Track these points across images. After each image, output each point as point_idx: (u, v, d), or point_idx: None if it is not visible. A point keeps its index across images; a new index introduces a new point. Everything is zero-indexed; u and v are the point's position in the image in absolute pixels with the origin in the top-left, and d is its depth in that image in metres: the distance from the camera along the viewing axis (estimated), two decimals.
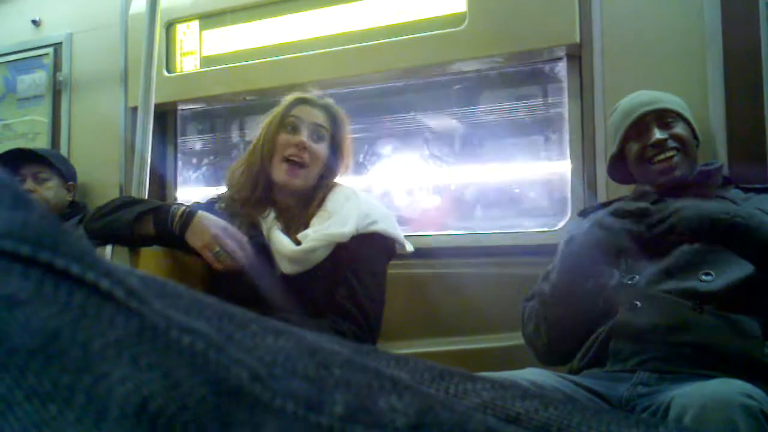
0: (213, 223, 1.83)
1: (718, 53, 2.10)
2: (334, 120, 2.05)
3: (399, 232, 2.06)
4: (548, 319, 1.71)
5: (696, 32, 2.14)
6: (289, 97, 2.05)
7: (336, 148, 2.06)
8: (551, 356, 1.76)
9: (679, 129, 1.86)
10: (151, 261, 1.94)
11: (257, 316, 0.42)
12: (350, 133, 2.11)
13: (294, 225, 1.98)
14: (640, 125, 1.88)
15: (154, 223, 1.85)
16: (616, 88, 2.21)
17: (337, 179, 2.10)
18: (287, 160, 1.96)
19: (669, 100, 1.91)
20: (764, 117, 2.03)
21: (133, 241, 1.91)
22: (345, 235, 1.91)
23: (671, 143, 1.83)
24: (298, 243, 1.91)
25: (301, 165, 1.97)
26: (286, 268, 1.90)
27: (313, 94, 2.10)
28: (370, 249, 1.97)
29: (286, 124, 2.00)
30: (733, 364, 1.46)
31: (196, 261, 1.92)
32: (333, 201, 2.00)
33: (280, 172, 1.98)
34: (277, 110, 2.04)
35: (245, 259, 1.83)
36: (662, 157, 1.83)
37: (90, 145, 3.25)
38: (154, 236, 1.87)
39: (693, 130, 1.90)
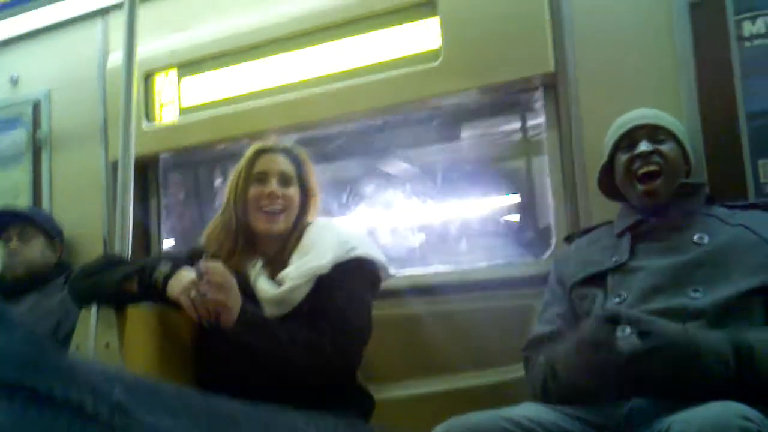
0: (184, 281, 1.78)
1: (690, 73, 2.13)
2: (298, 163, 2.09)
3: (380, 256, 2.05)
4: (558, 388, 1.66)
5: (668, 54, 2.17)
6: (250, 150, 2.09)
7: (305, 189, 2.09)
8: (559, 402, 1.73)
9: (668, 147, 1.88)
10: (138, 320, 1.92)
11: (248, 408, 0.41)
12: (313, 169, 2.14)
13: (279, 269, 1.97)
14: (630, 138, 1.91)
15: (138, 283, 1.83)
16: (593, 115, 2.24)
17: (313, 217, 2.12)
18: (263, 211, 1.99)
19: (665, 118, 1.94)
20: (740, 135, 2.05)
21: (118, 301, 1.89)
22: (324, 266, 1.91)
23: (656, 158, 1.85)
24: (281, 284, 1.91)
25: (276, 212, 1.99)
26: (271, 311, 1.88)
27: (273, 141, 2.14)
28: (350, 275, 1.95)
29: (253, 176, 2.03)
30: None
31: (182, 317, 1.89)
32: (310, 235, 2.02)
33: (258, 222, 2.00)
34: (241, 164, 2.07)
35: (226, 297, 1.74)
36: (645, 170, 1.85)
37: (72, 201, 3.22)
38: (139, 295, 1.85)
39: (686, 155, 1.92)
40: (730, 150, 2.06)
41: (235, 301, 1.75)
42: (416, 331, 2.43)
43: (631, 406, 1.50)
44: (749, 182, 2.02)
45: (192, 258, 2.03)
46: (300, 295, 1.89)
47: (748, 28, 2.06)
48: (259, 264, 1.98)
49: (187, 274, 1.79)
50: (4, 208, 2.95)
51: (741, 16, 2.07)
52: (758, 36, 2.05)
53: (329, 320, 1.86)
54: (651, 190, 1.84)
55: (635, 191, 1.88)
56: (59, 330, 2.59)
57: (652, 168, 1.85)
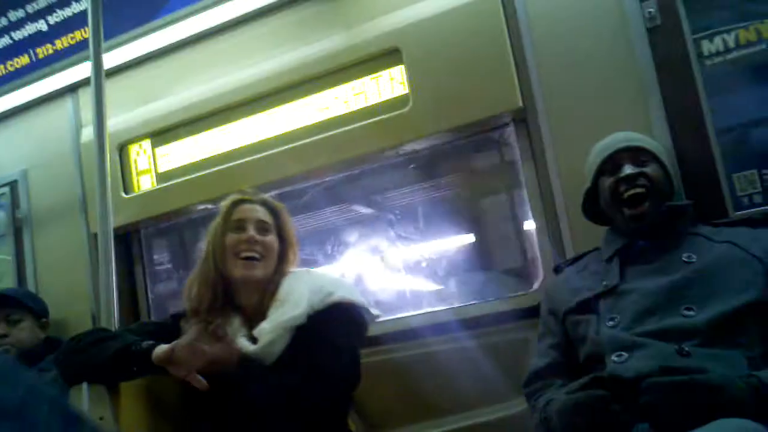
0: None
1: (656, 96, 2.16)
2: (275, 213, 2.10)
3: (360, 298, 2.02)
4: None
5: (632, 78, 2.19)
6: (226, 201, 2.09)
7: (283, 239, 2.08)
8: None
9: (651, 169, 1.89)
10: (130, 392, 1.91)
11: None
12: (291, 221, 2.14)
13: (257, 322, 1.94)
14: (613, 161, 1.91)
15: (126, 359, 1.79)
16: (565, 144, 2.26)
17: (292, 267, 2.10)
18: (241, 257, 1.98)
19: (646, 141, 1.95)
20: (713, 151, 2.07)
21: (108, 379, 1.87)
22: (299, 316, 1.89)
23: (642, 180, 1.86)
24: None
25: (255, 258, 1.98)
26: None
27: (249, 192, 2.14)
28: (329, 323, 1.92)
29: (231, 225, 2.03)
30: (727, 405, 1.44)
31: (171, 391, 1.90)
32: (285, 287, 2.00)
33: (236, 269, 1.98)
34: (219, 216, 2.07)
35: (198, 360, 1.73)
36: (632, 192, 1.85)
37: (58, 276, 3.21)
38: (127, 371, 1.82)
39: (668, 176, 1.93)
40: (705, 167, 2.08)
41: (227, 352, 1.76)
42: (412, 374, 2.42)
43: None
44: (727, 197, 2.04)
45: (175, 322, 2.03)
46: (278, 348, 1.87)
47: (707, 47, 2.09)
48: (237, 322, 1.96)
49: (166, 344, 1.77)
50: None
51: (698, 35, 2.11)
52: (718, 53, 2.08)
53: (312, 371, 1.83)
54: (639, 215, 1.85)
55: (622, 215, 1.88)
56: None
57: (638, 190, 1.85)
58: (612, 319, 1.71)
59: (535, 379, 1.86)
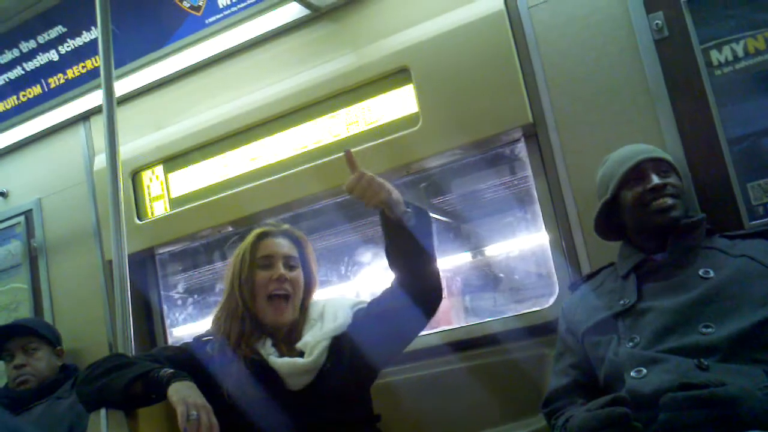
0: (188, 392, 1.73)
1: (667, 107, 2.15)
2: (298, 244, 2.13)
3: None
4: None
5: (642, 90, 2.19)
6: (251, 235, 2.10)
7: (307, 268, 2.12)
8: None
9: (674, 179, 1.89)
10: (147, 421, 1.91)
11: None
12: (313, 250, 2.17)
13: (289, 346, 2.00)
14: (637, 171, 1.90)
15: (143, 386, 1.79)
16: (577, 158, 2.25)
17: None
18: (271, 296, 2.00)
19: (664, 152, 1.95)
20: (726, 161, 2.06)
21: (126, 405, 1.87)
22: (341, 326, 2.00)
23: (669, 189, 1.85)
24: (298, 355, 1.94)
25: (285, 297, 2.01)
26: (295, 384, 1.91)
27: (272, 224, 2.16)
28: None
29: (258, 262, 2.04)
30: (746, 417, 1.42)
31: None
32: (313, 311, 2.09)
33: (267, 313, 2.01)
34: (243, 249, 2.08)
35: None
36: (660, 201, 1.84)
37: (73, 303, 3.23)
38: (145, 398, 1.82)
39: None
40: (718, 177, 2.06)
41: None
42: (432, 392, 2.42)
43: None
44: (741, 206, 2.03)
45: (198, 345, 2.04)
46: (323, 358, 1.93)
47: (715, 57, 2.09)
48: (269, 342, 1.98)
49: (190, 390, 1.74)
50: (4, 324, 2.94)
51: (706, 45, 2.10)
52: (727, 63, 2.08)
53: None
54: (667, 206, 1.83)
55: (648, 211, 1.85)
56: None
57: (667, 200, 1.84)
58: (631, 339, 1.70)
59: (555, 399, 1.85)
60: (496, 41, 2.37)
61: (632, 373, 1.61)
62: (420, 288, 1.95)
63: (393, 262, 1.98)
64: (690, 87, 2.13)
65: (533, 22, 2.36)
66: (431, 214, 2.01)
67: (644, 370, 1.60)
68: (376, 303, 2.07)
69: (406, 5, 2.60)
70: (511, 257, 2.79)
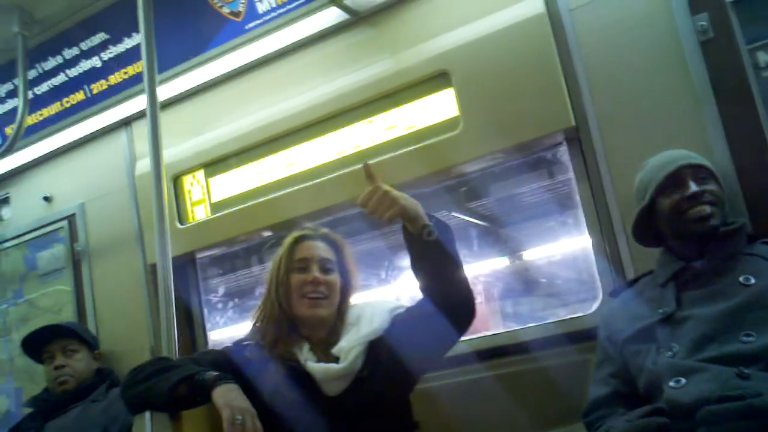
0: (233, 395, 1.74)
1: (713, 110, 2.11)
2: (336, 247, 2.13)
3: None
4: None
5: (687, 93, 2.15)
6: (289, 238, 2.12)
7: (344, 272, 2.12)
8: None
9: (713, 186, 1.85)
10: (191, 424, 1.92)
11: None
12: (352, 254, 2.17)
13: (326, 350, 2.00)
14: (675, 178, 1.86)
15: (188, 389, 1.80)
16: (620, 162, 2.22)
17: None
18: (305, 297, 2.01)
19: (703, 158, 1.90)
20: None
21: (171, 408, 1.89)
22: (378, 330, 1.99)
23: (708, 197, 1.82)
24: (334, 360, 1.94)
25: (320, 298, 2.01)
26: (331, 389, 1.91)
27: (310, 227, 2.17)
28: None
29: (294, 265, 2.06)
30: None
31: None
32: (351, 315, 2.08)
33: (302, 308, 2.02)
34: (281, 253, 2.10)
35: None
36: (698, 209, 1.80)
37: (115, 308, 3.28)
38: (189, 401, 1.82)
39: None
40: (766, 182, 2.02)
41: None
42: (470, 398, 2.40)
43: None
44: None
45: (236, 350, 2.05)
46: (359, 364, 1.93)
47: (763, 58, 2.05)
48: (306, 347, 1.99)
49: (235, 394, 1.74)
50: (46, 325, 3.00)
51: (753, 46, 2.06)
52: None
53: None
54: (705, 215, 1.79)
55: (685, 219, 1.82)
56: None
57: (705, 208, 1.80)
58: (670, 349, 1.67)
59: (596, 408, 1.83)
60: (537, 44, 2.35)
61: (671, 383, 1.59)
62: (448, 302, 1.92)
63: (417, 276, 1.96)
64: (737, 89, 2.08)
65: (575, 24, 2.33)
66: (467, 218, 1.98)
67: (683, 380, 1.57)
68: (415, 307, 2.05)
69: (446, 9, 2.59)
70: (553, 262, 2.77)
